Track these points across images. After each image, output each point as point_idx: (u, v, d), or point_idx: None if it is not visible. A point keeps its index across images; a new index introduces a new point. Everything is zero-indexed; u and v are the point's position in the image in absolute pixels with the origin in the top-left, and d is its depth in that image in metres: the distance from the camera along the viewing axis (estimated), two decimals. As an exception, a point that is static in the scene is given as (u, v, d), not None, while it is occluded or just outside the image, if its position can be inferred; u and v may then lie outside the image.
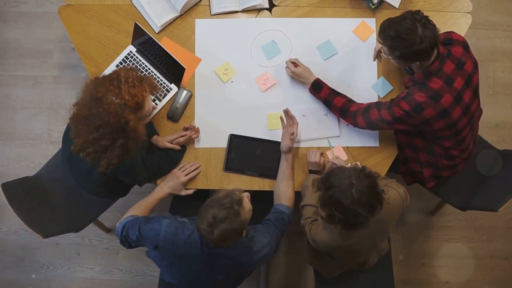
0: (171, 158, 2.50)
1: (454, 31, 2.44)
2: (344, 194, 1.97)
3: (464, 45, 2.36)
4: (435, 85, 2.28)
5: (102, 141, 2.05)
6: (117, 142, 2.06)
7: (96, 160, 2.11)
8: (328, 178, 2.04)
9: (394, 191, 2.23)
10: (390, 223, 2.26)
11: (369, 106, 2.43)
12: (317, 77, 2.54)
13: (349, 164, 2.27)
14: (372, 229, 2.10)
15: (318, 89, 2.53)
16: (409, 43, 2.18)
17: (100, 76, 2.13)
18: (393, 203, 2.20)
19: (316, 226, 2.27)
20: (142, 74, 2.18)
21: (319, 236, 2.23)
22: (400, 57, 2.27)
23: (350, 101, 2.49)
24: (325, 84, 2.53)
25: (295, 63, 2.57)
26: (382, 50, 2.35)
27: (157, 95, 2.59)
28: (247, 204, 2.05)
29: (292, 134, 2.45)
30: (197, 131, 2.52)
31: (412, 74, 2.44)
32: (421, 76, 2.31)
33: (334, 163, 2.40)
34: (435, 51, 2.26)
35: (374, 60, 2.56)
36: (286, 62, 2.60)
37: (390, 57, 2.31)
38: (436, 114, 2.29)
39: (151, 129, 2.50)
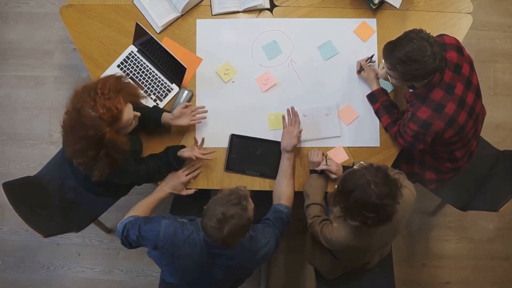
0: (174, 167, 2.49)
1: (446, 33, 2.41)
2: (366, 193, 1.95)
3: (457, 48, 2.33)
4: (436, 96, 2.26)
5: (88, 152, 2.05)
6: (100, 153, 2.06)
7: (88, 169, 2.11)
8: (344, 186, 2.02)
9: (406, 190, 2.22)
10: (402, 222, 2.26)
11: (395, 134, 2.47)
12: (380, 87, 2.54)
13: (355, 166, 2.27)
14: (386, 228, 2.10)
15: (373, 101, 2.56)
16: (423, 64, 2.13)
17: (89, 83, 2.10)
18: (406, 202, 2.19)
19: (328, 225, 2.27)
20: (124, 82, 2.13)
21: (334, 236, 2.22)
22: (412, 79, 2.23)
23: (394, 122, 2.49)
24: (382, 98, 2.53)
25: (362, 69, 2.57)
26: (386, 76, 2.33)
27: (158, 95, 2.59)
28: (251, 200, 2.05)
29: (299, 132, 2.47)
30: (205, 154, 2.49)
31: (414, 89, 2.39)
32: (424, 90, 2.28)
33: (329, 169, 2.44)
34: None
35: (358, 72, 2.59)
36: (357, 62, 2.61)
37: (397, 81, 2.27)
38: (444, 125, 2.28)
39: (157, 112, 2.47)
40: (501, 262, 3.29)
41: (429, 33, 2.17)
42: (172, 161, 2.45)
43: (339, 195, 2.05)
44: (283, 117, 2.55)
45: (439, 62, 2.16)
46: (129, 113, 2.13)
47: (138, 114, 2.20)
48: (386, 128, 2.54)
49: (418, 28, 2.18)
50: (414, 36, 2.14)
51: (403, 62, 2.15)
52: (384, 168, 2.04)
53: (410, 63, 2.14)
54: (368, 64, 2.57)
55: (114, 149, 2.08)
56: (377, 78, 2.55)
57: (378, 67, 2.53)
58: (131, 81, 2.15)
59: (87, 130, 2.01)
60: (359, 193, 1.96)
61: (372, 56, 2.57)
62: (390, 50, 2.18)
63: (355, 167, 2.17)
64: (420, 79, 2.21)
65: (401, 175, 2.37)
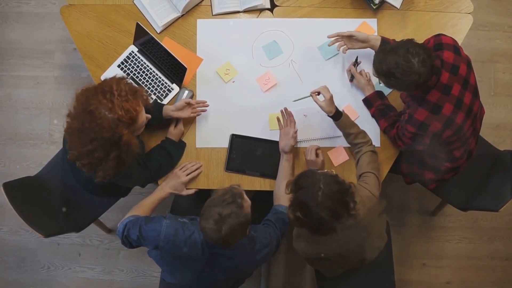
0: (170, 155, 2.50)
1: (446, 33, 2.40)
2: (309, 196, 1.97)
3: (455, 48, 2.32)
4: (433, 97, 2.26)
5: (96, 153, 2.03)
6: (111, 154, 2.04)
7: (92, 171, 2.09)
8: (298, 180, 2.03)
9: (365, 191, 2.24)
10: (371, 222, 2.26)
11: (394, 137, 2.47)
12: (374, 91, 2.54)
13: (325, 170, 2.28)
14: (350, 233, 2.09)
15: (368, 105, 2.56)
16: (404, 81, 2.13)
17: (91, 86, 2.08)
18: (367, 204, 2.21)
19: (296, 234, 2.27)
20: (134, 85, 2.12)
21: (297, 246, 2.25)
22: (393, 88, 2.28)
23: (391, 125, 2.49)
24: (377, 102, 2.53)
25: (353, 76, 2.57)
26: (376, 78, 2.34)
27: (159, 95, 2.60)
28: (246, 197, 2.05)
29: (295, 133, 2.47)
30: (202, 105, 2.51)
31: None
32: (420, 92, 2.28)
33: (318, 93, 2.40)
34: None
35: (351, 81, 2.59)
36: (347, 71, 2.60)
37: (385, 85, 2.30)
38: (442, 126, 2.28)
39: (158, 106, 2.47)
40: (501, 262, 3.29)
41: (425, 45, 2.15)
42: (170, 150, 2.46)
43: (293, 185, 2.06)
44: (278, 119, 2.55)
45: (424, 80, 2.15)
46: (143, 115, 2.14)
47: (149, 116, 2.20)
48: (384, 131, 2.54)
49: (412, 41, 2.16)
50: (402, 53, 2.11)
51: (385, 74, 2.17)
52: (346, 186, 2.02)
53: (392, 78, 2.15)
54: (357, 68, 2.57)
55: (128, 151, 2.07)
56: (370, 83, 2.56)
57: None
58: (132, 82, 2.14)
59: (102, 132, 1.98)
60: (304, 192, 1.98)
61: (356, 59, 2.56)
62: (379, 59, 2.19)
63: (321, 170, 2.16)
64: (402, 90, 2.24)
65: (369, 176, 2.34)
